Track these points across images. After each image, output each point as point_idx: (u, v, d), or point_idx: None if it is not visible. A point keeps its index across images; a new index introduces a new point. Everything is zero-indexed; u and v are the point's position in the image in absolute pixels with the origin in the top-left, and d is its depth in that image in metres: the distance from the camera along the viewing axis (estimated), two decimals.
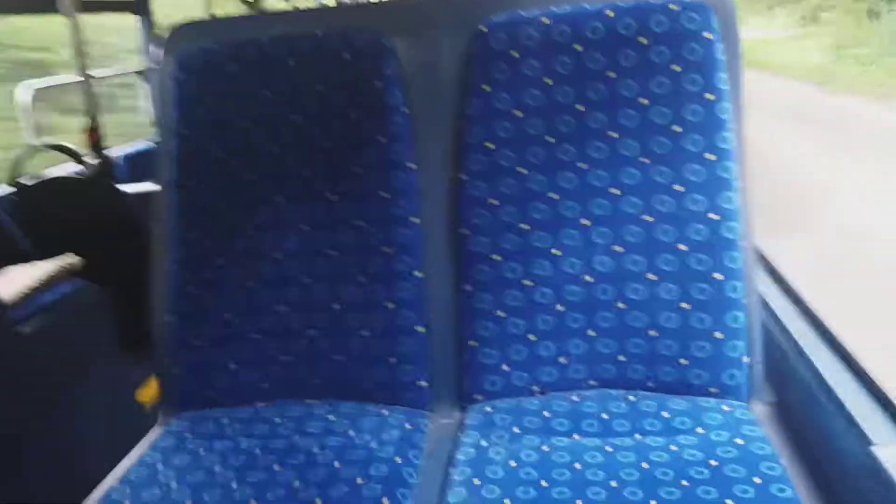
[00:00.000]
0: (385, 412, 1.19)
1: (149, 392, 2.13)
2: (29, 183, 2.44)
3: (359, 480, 1.02)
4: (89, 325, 1.89)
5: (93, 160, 2.52)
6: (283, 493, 1.01)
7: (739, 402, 1.12)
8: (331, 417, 1.19)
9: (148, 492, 1.04)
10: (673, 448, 1.02)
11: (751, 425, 1.04)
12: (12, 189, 2.46)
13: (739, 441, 1.00)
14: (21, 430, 1.56)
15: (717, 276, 1.12)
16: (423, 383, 1.22)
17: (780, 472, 0.94)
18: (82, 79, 2.75)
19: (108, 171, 2.49)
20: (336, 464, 1.07)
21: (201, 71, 1.25)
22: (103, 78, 3.92)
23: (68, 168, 2.78)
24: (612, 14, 1.15)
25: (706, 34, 1.12)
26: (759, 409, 1.13)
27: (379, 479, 1.02)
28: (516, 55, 1.17)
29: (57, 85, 3.70)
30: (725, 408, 1.09)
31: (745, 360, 1.13)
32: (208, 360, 1.25)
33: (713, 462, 0.97)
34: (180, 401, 1.26)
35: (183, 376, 1.25)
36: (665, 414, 1.09)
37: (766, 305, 1.28)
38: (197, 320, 1.25)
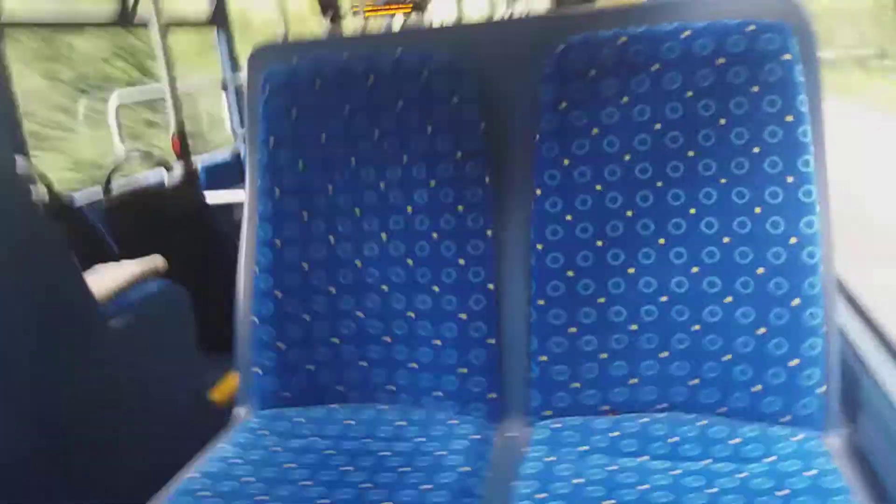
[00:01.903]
0: (454, 422, 1.21)
1: (223, 391, 2.21)
2: (120, 190, 2.57)
3: (426, 487, 1.04)
4: (173, 323, 1.98)
5: (179, 169, 2.63)
6: (352, 494, 1.04)
7: (812, 433, 1.09)
8: (401, 423, 1.22)
9: (224, 484, 1.08)
10: (742, 475, 1.00)
11: (823, 457, 1.02)
12: (104, 196, 2.59)
13: (811, 473, 0.98)
14: (105, 422, 1.64)
15: (796, 301, 1.10)
16: (493, 395, 1.24)
17: None
18: (168, 89, 2.88)
19: (193, 180, 2.60)
20: (404, 469, 1.09)
21: (285, 87, 1.31)
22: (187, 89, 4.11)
23: (156, 174, 2.92)
24: (688, 34, 1.15)
25: (785, 56, 1.12)
26: (833, 442, 1.10)
27: (446, 486, 1.04)
28: (593, 74, 1.18)
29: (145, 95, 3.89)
30: (798, 437, 1.07)
31: (821, 389, 1.10)
32: (287, 361, 1.30)
33: (783, 492, 0.95)
34: (258, 399, 1.31)
35: (262, 375, 1.31)
36: (736, 440, 1.08)
37: (843, 334, 1.24)
38: (279, 323, 1.30)
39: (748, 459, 1.04)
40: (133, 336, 1.78)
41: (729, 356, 1.14)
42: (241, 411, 1.35)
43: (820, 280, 1.10)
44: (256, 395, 1.31)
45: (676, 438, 1.10)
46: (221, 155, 3.88)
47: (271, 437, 1.21)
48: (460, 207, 1.25)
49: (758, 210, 1.12)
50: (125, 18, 3.22)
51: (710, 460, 1.05)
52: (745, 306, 1.13)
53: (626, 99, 1.17)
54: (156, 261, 1.99)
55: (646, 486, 1.00)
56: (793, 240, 1.11)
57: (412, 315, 1.27)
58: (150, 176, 2.97)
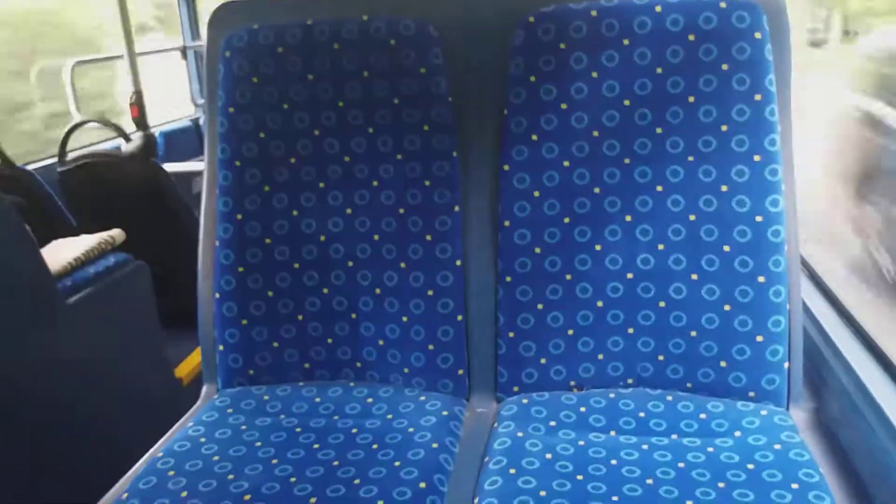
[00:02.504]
0: (422, 398, 1.21)
1: (187, 367, 2.18)
2: (74, 159, 2.50)
3: (396, 463, 1.04)
4: (133, 298, 1.94)
5: (137, 137, 2.56)
6: (322, 472, 1.04)
7: (778, 408, 1.11)
8: (369, 400, 1.21)
9: (191, 463, 1.07)
10: (710, 450, 1.02)
11: (789, 431, 1.04)
12: (59, 164, 2.51)
13: (777, 446, 1.00)
14: (66, 400, 1.60)
15: (760, 279, 1.12)
16: (461, 372, 1.23)
17: (818, 479, 0.94)
18: (126, 54, 2.79)
19: (151, 149, 2.53)
20: (374, 446, 1.09)
21: (247, 51, 1.26)
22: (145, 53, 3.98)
23: (112, 143, 2.84)
24: (660, 9, 1.14)
25: (756, 34, 1.11)
26: (798, 415, 1.13)
27: (416, 463, 1.04)
28: (563, 47, 1.17)
29: (100, 60, 3.77)
30: (763, 412, 1.09)
31: (785, 365, 1.12)
32: (251, 338, 1.28)
33: (750, 466, 0.97)
34: (223, 376, 1.29)
35: (227, 353, 1.28)
36: (702, 415, 1.10)
37: (807, 310, 1.27)
38: (241, 299, 1.27)
39: (715, 434, 1.06)
40: (93, 312, 1.74)
41: (694, 332, 1.15)
42: (206, 389, 1.33)
43: (784, 258, 1.12)
44: (221, 372, 1.29)
45: (644, 414, 1.12)
46: (181, 124, 3.78)
47: (238, 416, 1.19)
48: (427, 182, 1.23)
49: (724, 188, 1.13)
50: None
51: (677, 435, 1.07)
52: (710, 283, 1.14)
53: (595, 74, 1.16)
54: (113, 234, 1.94)
55: (615, 461, 1.01)
56: (758, 218, 1.11)
57: (378, 291, 1.26)
58: (109, 145, 2.89)
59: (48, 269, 1.64)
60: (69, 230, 2.10)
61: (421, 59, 1.22)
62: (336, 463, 1.05)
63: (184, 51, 4.10)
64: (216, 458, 1.08)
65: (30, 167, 2.62)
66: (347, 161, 1.26)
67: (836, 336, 1.20)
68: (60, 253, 1.81)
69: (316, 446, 1.10)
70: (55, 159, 2.59)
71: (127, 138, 2.54)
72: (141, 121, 2.72)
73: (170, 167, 2.66)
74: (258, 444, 1.11)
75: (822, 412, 1.17)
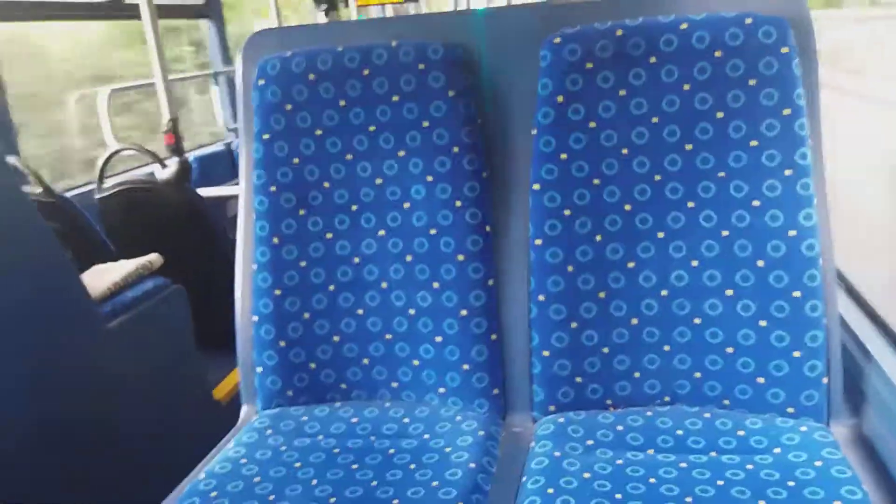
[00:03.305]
0: (458, 418, 1.21)
1: (226, 389, 2.21)
2: (112, 185, 2.56)
3: (434, 484, 1.05)
4: (171, 321, 1.98)
5: (172, 163, 2.62)
6: (361, 492, 1.05)
7: (817, 424, 1.10)
8: (405, 420, 1.22)
9: (233, 484, 1.09)
10: (749, 467, 1.01)
11: (830, 447, 1.03)
12: (97, 191, 2.58)
13: (818, 463, 0.99)
14: (107, 423, 1.64)
15: (796, 293, 1.11)
16: (496, 391, 1.24)
17: (861, 496, 0.92)
18: (160, 82, 2.85)
19: (186, 174, 2.59)
20: (411, 466, 1.10)
21: (279, 78, 1.30)
22: (178, 80, 4.08)
23: (148, 170, 2.90)
24: (685, 27, 1.15)
25: (783, 49, 1.11)
26: (838, 431, 1.11)
27: (454, 483, 1.05)
28: (590, 66, 1.18)
29: (134, 87, 3.86)
30: (803, 428, 1.08)
31: (824, 380, 1.11)
32: (289, 360, 1.30)
33: (791, 483, 0.96)
34: (262, 397, 1.31)
35: (265, 375, 1.31)
36: (741, 432, 1.09)
37: (845, 325, 1.25)
38: (279, 321, 1.30)
39: (754, 451, 1.05)
40: (132, 336, 1.78)
41: (731, 349, 1.14)
42: (245, 410, 1.35)
43: (819, 272, 1.11)
44: (260, 393, 1.31)
45: (681, 431, 1.11)
46: (213, 149, 3.86)
47: (277, 437, 1.21)
48: (458, 203, 1.24)
49: (756, 203, 1.12)
50: (116, 6, 3.19)
51: (715, 452, 1.06)
52: (745, 299, 1.13)
53: (623, 92, 1.17)
54: (151, 258, 1.99)
55: (653, 480, 1.00)
56: (791, 232, 1.11)
57: (412, 312, 1.27)
58: (146, 171, 2.95)
59: (88, 294, 1.68)
60: (108, 256, 2.15)
61: (449, 82, 1.24)
62: (374, 483, 1.06)
63: (215, 76, 4.19)
64: (257, 478, 1.10)
65: (69, 194, 2.69)
66: (379, 184, 1.28)
67: (875, 350, 1.19)
68: (100, 278, 1.85)
69: (354, 466, 1.11)
70: (93, 186, 2.65)
71: (162, 164, 2.60)
72: (176, 147, 2.78)
73: (204, 192, 2.71)
74: (298, 464, 1.13)
75: (863, 427, 1.15)
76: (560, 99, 1.19)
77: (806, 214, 1.11)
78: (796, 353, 1.11)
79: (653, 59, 1.16)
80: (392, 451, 1.14)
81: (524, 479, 1.06)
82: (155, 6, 2.77)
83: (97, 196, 2.56)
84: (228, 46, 4.13)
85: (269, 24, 4.44)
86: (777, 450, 1.04)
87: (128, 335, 1.76)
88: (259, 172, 1.31)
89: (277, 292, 1.30)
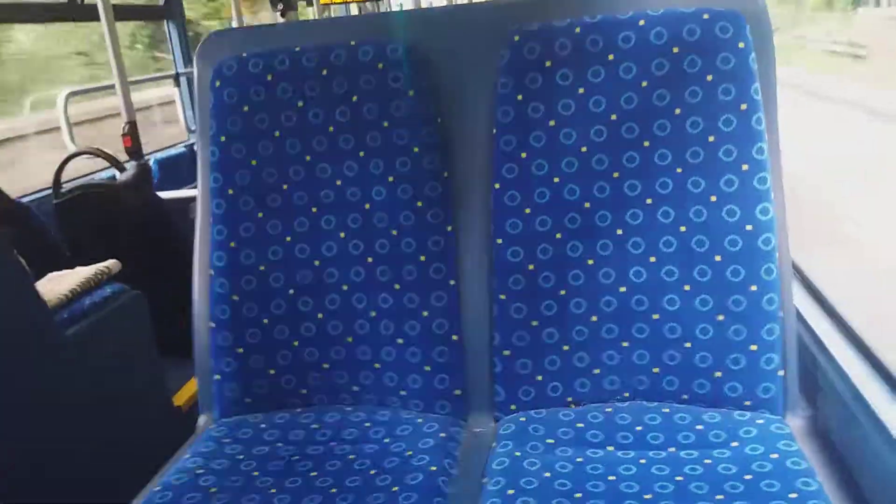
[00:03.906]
0: (420, 420, 1.21)
1: (185, 396, 2.17)
2: (69, 190, 2.50)
3: (395, 489, 1.04)
4: (129, 328, 1.94)
5: (131, 167, 2.57)
6: (320, 500, 1.03)
7: (774, 416, 1.11)
8: (366, 424, 1.21)
9: (189, 496, 1.06)
10: (707, 462, 1.02)
11: (786, 440, 1.04)
12: (53, 196, 2.52)
13: (774, 455, 1.00)
14: (65, 431, 1.60)
15: (753, 287, 1.12)
16: (458, 392, 1.23)
17: (817, 487, 0.93)
18: (118, 84, 2.80)
19: (146, 178, 2.54)
20: (372, 471, 1.09)
21: (236, 79, 1.28)
22: (136, 82, 4.01)
23: (106, 173, 2.84)
24: (643, 23, 1.15)
25: (739, 44, 1.12)
26: (794, 423, 1.13)
27: (415, 487, 1.04)
28: (549, 65, 1.18)
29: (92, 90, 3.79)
30: (760, 421, 1.09)
31: (780, 373, 1.12)
32: (248, 366, 1.28)
33: (748, 476, 0.97)
34: (220, 406, 1.29)
35: (223, 381, 1.28)
36: (699, 427, 1.10)
37: (800, 318, 1.27)
38: (237, 327, 1.27)
39: (712, 445, 1.06)
40: (90, 344, 1.74)
41: (689, 343, 1.15)
42: (202, 419, 1.32)
43: (776, 266, 1.12)
44: (218, 401, 1.29)
45: (641, 427, 1.11)
46: (175, 151, 3.80)
47: (235, 445, 1.19)
48: (419, 203, 1.23)
49: (713, 198, 1.13)
50: (73, 9, 3.12)
51: (675, 448, 1.07)
52: (703, 294, 1.14)
53: (582, 90, 1.17)
54: (109, 264, 1.95)
55: (613, 477, 1.00)
56: (748, 227, 1.12)
57: (374, 314, 1.26)
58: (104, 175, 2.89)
59: (44, 301, 1.64)
60: (65, 262, 2.10)
61: (409, 82, 1.23)
62: (334, 490, 1.05)
63: (176, 78, 4.13)
64: (214, 489, 1.08)
65: (24, 199, 2.62)
66: (339, 185, 1.26)
67: (829, 342, 1.20)
68: (56, 285, 1.81)
69: (314, 474, 1.10)
70: (49, 191, 2.59)
71: (121, 168, 2.55)
72: (135, 150, 2.73)
73: (166, 195, 2.67)
74: (256, 473, 1.11)
75: (818, 419, 1.16)
76: (519, 97, 1.19)
77: (763, 209, 1.12)
78: (753, 347, 1.12)
79: (611, 56, 1.16)
80: (352, 456, 1.13)
81: (485, 480, 1.05)
82: (112, 7, 2.71)
83: (54, 201, 2.50)
84: (189, 46, 4.07)
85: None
86: (735, 443, 1.05)
87: (85, 343, 1.71)
88: (216, 175, 1.29)
89: (235, 298, 1.27)
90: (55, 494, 1.52)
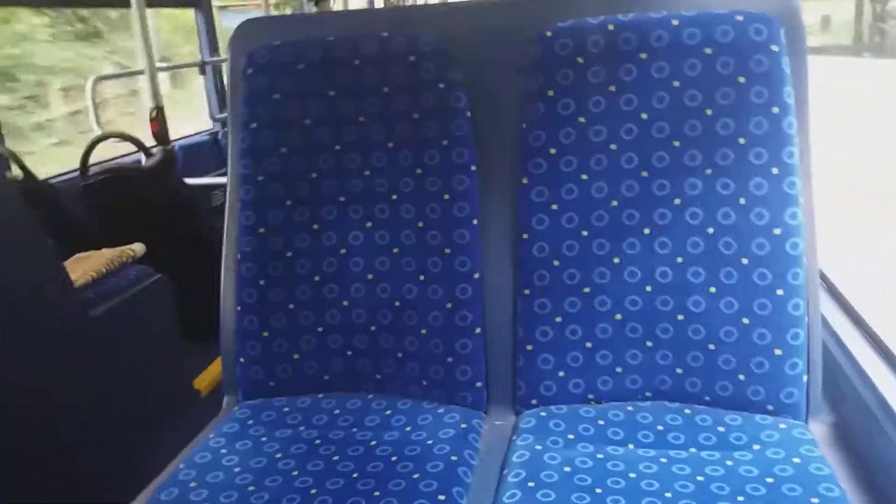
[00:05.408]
0: (441, 410, 1.21)
1: (206, 380, 2.20)
2: (97, 173, 2.53)
3: (415, 476, 1.05)
4: (153, 310, 1.96)
5: (157, 151, 2.60)
6: (342, 484, 1.04)
7: (797, 421, 1.11)
8: (388, 412, 1.22)
9: (212, 475, 1.08)
10: (728, 463, 1.02)
11: (808, 445, 1.04)
12: (81, 178, 2.55)
13: (796, 460, 1.00)
14: (88, 410, 1.62)
15: (779, 292, 1.11)
16: (479, 384, 1.24)
17: (839, 494, 0.93)
18: (147, 69, 2.83)
19: (171, 163, 2.57)
20: (393, 458, 1.09)
21: (269, 67, 1.28)
22: (165, 69, 4.04)
23: (134, 157, 2.87)
24: (677, 23, 1.15)
25: (773, 47, 1.12)
26: (817, 429, 1.13)
27: (435, 475, 1.05)
28: (581, 61, 1.18)
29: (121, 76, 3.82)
30: (782, 426, 1.09)
31: (804, 378, 1.12)
32: (272, 350, 1.29)
33: (770, 480, 0.97)
34: (244, 388, 1.30)
35: (248, 365, 1.30)
36: (721, 429, 1.09)
37: (826, 324, 1.26)
38: (263, 311, 1.29)
39: (734, 447, 1.06)
40: (114, 324, 1.76)
41: (713, 346, 1.15)
42: (227, 400, 1.34)
43: (803, 270, 1.12)
44: (242, 384, 1.31)
45: (662, 427, 1.11)
46: (199, 138, 3.83)
47: (258, 427, 1.20)
48: (446, 196, 1.24)
49: (742, 201, 1.13)
50: None
51: (695, 448, 1.07)
52: (728, 296, 1.14)
53: (613, 87, 1.17)
54: (134, 247, 1.97)
55: (633, 475, 1.01)
56: (776, 231, 1.12)
57: (398, 304, 1.26)
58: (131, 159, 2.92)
59: (70, 281, 1.67)
60: (91, 243, 2.13)
61: (440, 74, 1.24)
62: (356, 475, 1.06)
63: (202, 66, 4.16)
64: (237, 469, 1.09)
65: (53, 181, 2.66)
66: (368, 175, 1.27)
67: (854, 349, 1.20)
68: (82, 265, 1.84)
69: (336, 458, 1.11)
70: (77, 173, 2.63)
71: (147, 153, 2.58)
72: (161, 135, 2.76)
73: (189, 181, 2.69)
74: (278, 455, 1.12)
75: (841, 426, 1.16)
76: (550, 93, 1.19)
77: (791, 213, 1.11)
78: (777, 351, 1.11)
79: (643, 55, 1.16)
80: (374, 442, 1.14)
81: (505, 471, 1.06)
82: None
83: (81, 183, 2.54)
84: (216, 35, 4.10)
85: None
86: (756, 447, 1.05)
87: (109, 323, 1.74)
88: (246, 162, 1.30)
89: (262, 282, 1.29)
90: (75, 471, 1.55)
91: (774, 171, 1.12)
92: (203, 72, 4.18)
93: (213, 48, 4.11)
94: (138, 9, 2.72)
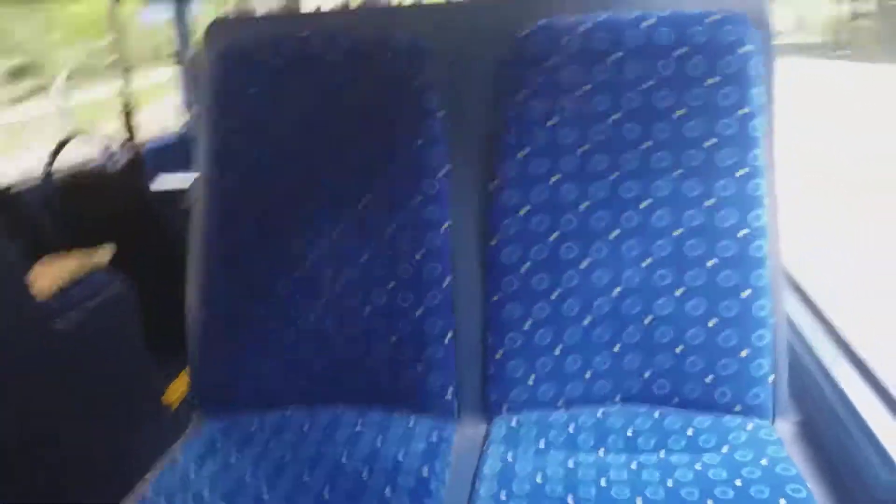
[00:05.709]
0: (412, 422, 1.20)
1: (175, 393, 2.16)
2: (61, 175, 2.48)
3: (387, 492, 1.03)
4: (120, 321, 1.92)
5: (125, 151, 2.55)
6: (312, 502, 1.03)
7: (763, 421, 1.11)
8: (358, 426, 1.20)
9: (180, 497, 1.06)
10: (697, 467, 1.02)
11: (775, 445, 1.04)
12: (44, 179, 2.50)
13: (764, 461, 1.01)
14: (53, 427, 1.59)
15: (745, 293, 1.12)
16: (450, 392, 1.23)
17: (806, 494, 0.94)
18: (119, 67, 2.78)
19: (138, 164, 2.52)
20: (364, 474, 1.08)
21: (241, 66, 1.25)
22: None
23: (99, 158, 2.82)
24: (649, 23, 1.14)
25: (743, 48, 1.12)
26: (784, 429, 1.13)
27: (407, 490, 1.03)
28: (553, 62, 1.16)
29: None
30: (750, 426, 1.09)
31: (771, 378, 1.12)
32: (240, 363, 1.26)
33: (738, 482, 0.97)
34: (211, 403, 1.28)
35: (215, 378, 1.27)
36: (689, 431, 1.10)
37: (791, 324, 1.27)
38: (230, 321, 1.26)
39: (702, 450, 1.06)
40: (79, 335, 1.72)
41: (681, 348, 1.15)
42: (193, 417, 1.31)
43: (768, 272, 1.12)
44: (209, 398, 1.28)
45: (631, 432, 1.11)
46: (168, 137, 3.76)
47: (226, 445, 1.18)
48: (419, 198, 1.22)
49: (709, 203, 1.13)
50: None
51: (665, 452, 1.07)
52: (695, 298, 1.14)
53: (584, 89, 1.16)
54: (99, 251, 1.93)
55: (604, 482, 1.01)
56: (742, 232, 1.12)
57: (367, 312, 1.24)
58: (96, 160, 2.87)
59: (32, 290, 1.63)
60: (57, 248, 2.08)
61: (413, 75, 1.22)
62: (327, 494, 1.05)
63: (176, 60, 4.08)
64: (206, 492, 1.07)
65: (16, 185, 2.60)
66: (337, 177, 1.24)
67: (820, 349, 1.21)
68: (46, 274, 1.80)
69: (306, 477, 1.09)
70: (41, 176, 2.57)
71: (113, 155, 2.53)
72: (128, 132, 2.72)
73: (158, 182, 2.65)
74: (247, 475, 1.10)
75: (807, 425, 1.17)
76: (521, 94, 1.17)
77: (756, 215, 1.12)
78: (743, 353, 1.12)
79: (616, 56, 1.15)
80: (344, 458, 1.12)
81: (477, 483, 1.05)
82: None
83: (46, 186, 2.48)
84: (191, 29, 4.02)
85: None
86: (725, 448, 1.05)
87: (74, 334, 1.70)
88: (216, 164, 1.26)
89: (228, 291, 1.26)
90: (45, 490, 1.52)
91: (740, 172, 1.12)
92: (178, 64, 4.10)
93: (187, 41, 4.04)
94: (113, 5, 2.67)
